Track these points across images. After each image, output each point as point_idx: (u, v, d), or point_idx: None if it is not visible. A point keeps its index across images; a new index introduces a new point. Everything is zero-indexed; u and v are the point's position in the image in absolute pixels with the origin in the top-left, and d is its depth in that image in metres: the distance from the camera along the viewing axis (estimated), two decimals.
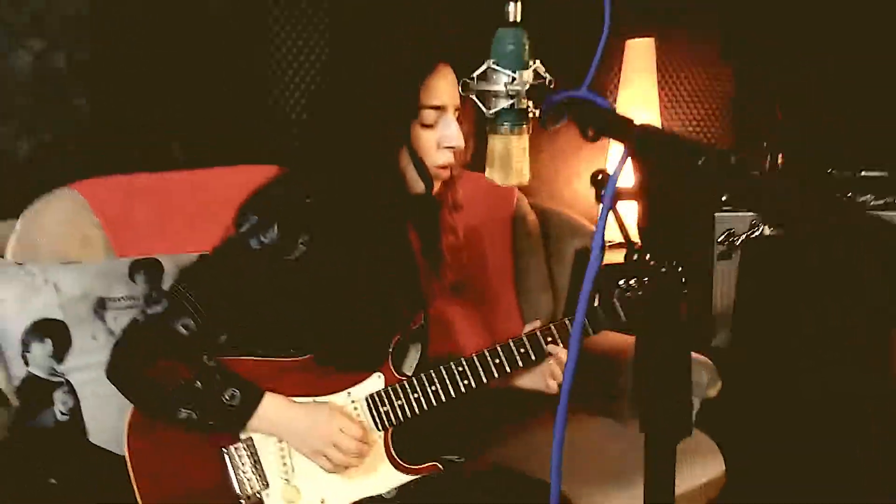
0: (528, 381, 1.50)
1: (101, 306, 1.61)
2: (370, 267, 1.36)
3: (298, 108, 2.43)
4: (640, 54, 2.67)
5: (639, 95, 2.69)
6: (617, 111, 0.83)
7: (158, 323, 1.27)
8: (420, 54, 1.33)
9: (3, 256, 1.70)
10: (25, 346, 1.54)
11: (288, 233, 1.29)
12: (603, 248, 0.67)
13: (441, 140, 1.34)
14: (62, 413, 1.53)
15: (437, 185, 1.38)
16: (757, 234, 1.88)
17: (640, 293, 1.39)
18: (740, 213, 1.99)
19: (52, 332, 1.57)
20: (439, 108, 1.33)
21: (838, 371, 1.78)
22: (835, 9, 2.67)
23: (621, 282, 1.41)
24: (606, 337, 1.87)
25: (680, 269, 0.66)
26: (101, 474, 1.42)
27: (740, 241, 1.90)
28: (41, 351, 1.55)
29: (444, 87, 1.33)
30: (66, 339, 1.57)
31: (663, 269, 0.67)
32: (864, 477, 1.76)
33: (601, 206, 0.67)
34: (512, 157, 1.03)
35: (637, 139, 0.67)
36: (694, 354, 1.89)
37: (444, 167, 1.36)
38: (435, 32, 1.40)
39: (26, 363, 1.54)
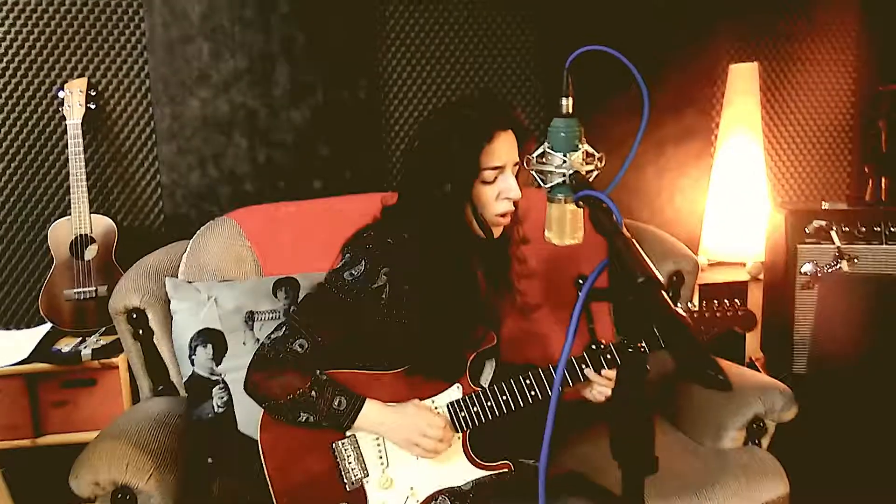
0: (587, 392, 1.70)
1: (250, 318, 1.96)
2: (441, 296, 1.63)
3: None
4: (742, 77, 2.74)
5: (741, 115, 2.76)
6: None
7: (280, 344, 1.59)
8: (479, 128, 1.58)
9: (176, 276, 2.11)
10: (192, 350, 1.92)
11: (372, 267, 1.60)
12: (575, 333, 0.88)
13: (502, 193, 1.60)
14: (219, 406, 1.89)
15: (497, 231, 1.64)
16: (836, 268, 1.94)
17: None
18: (823, 246, 2.06)
19: (213, 340, 1.93)
20: (498, 168, 1.58)
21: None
22: None
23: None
24: None
25: (643, 350, 0.87)
26: (246, 456, 1.69)
27: (820, 274, 1.97)
28: (204, 355, 1.92)
29: (501, 151, 1.59)
30: (223, 346, 1.93)
31: (630, 349, 0.88)
32: None
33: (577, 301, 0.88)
34: (566, 221, 1.25)
35: (611, 251, 0.88)
36: (769, 380, 1.99)
37: (503, 215, 1.63)
38: (492, 107, 1.62)
39: (192, 364, 1.92)
